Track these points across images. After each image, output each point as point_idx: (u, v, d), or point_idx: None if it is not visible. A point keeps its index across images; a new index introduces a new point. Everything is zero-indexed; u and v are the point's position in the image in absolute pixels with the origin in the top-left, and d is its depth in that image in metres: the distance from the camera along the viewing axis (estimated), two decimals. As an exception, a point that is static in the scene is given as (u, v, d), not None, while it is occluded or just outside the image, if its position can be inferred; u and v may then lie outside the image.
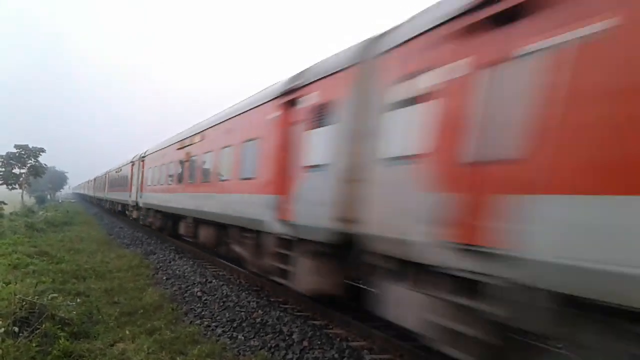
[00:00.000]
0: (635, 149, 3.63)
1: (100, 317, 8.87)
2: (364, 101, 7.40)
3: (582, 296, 3.93)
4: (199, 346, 7.34)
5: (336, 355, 7.33)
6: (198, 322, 9.01)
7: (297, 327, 8.68)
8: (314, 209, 8.36)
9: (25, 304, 7.53)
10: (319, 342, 7.87)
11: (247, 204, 11.40)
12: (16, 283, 9.89)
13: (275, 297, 11.13)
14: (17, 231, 22.31)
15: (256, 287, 12.18)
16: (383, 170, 6.72)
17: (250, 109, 12.05)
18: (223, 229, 13.84)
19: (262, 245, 10.85)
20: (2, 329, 6.72)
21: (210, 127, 15.73)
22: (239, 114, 12.95)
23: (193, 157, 17.21)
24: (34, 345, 6.51)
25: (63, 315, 7.89)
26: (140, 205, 27.57)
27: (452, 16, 5.57)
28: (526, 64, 4.62)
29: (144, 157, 27.45)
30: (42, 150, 57.35)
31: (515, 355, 5.24)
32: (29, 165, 56.20)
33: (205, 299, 10.79)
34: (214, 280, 12.86)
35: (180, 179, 18.84)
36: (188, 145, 17.98)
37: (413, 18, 6.77)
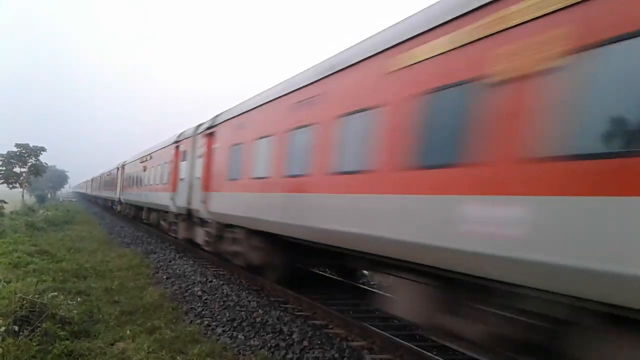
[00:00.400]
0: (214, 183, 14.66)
1: (100, 316, 8.87)
2: (193, 153, 17.34)
3: (227, 223, 13.19)
4: (199, 345, 7.35)
5: (336, 355, 7.33)
6: (198, 321, 9.02)
7: (297, 326, 8.69)
8: (181, 198, 17.99)
9: (26, 302, 7.53)
10: (319, 342, 7.88)
11: (165, 198, 20.98)
12: (17, 282, 9.92)
13: (275, 297, 11.14)
14: (17, 230, 22.34)
15: (256, 287, 12.19)
16: (196, 182, 16.38)
17: (167, 146, 22.16)
18: (158, 212, 24.17)
19: (170, 219, 20.77)
20: (3, 328, 6.73)
21: (152, 152, 26.02)
22: (163, 147, 23.10)
23: (146, 169, 27.10)
24: (34, 344, 6.51)
25: (63, 314, 7.89)
26: (122, 200, 37.67)
27: (204, 129, 16.07)
28: (214, 151, 14.89)
29: (124, 165, 36.73)
30: (43, 149, 57.37)
31: (219, 244, 14.12)
32: (29, 164, 56.19)
33: (206, 299, 10.80)
34: (214, 280, 12.88)
35: (140, 182, 28.77)
36: (144, 161, 27.93)
37: (202, 124, 17.06)
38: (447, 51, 5.79)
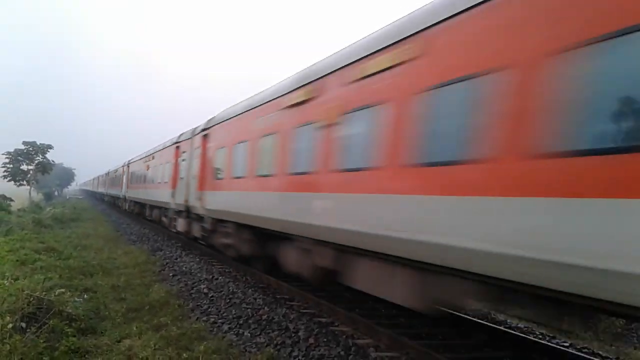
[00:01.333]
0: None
1: (107, 313, 8.91)
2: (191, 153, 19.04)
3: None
4: (205, 342, 7.35)
5: (342, 353, 7.32)
6: (204, 318, 9.03)
7: (303, 324, 8.69)
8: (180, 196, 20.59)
9: (33, 299, 7.57)
10: (325, 340, 7.87)
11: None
12: (24, 279, 9.95)
13: (281, 295, 11.14)
14: (24, 227, 22.43)
15: (262, 285, 12.19)
16: (192, 182, 17.74)
17: (168, 147, 23.37)
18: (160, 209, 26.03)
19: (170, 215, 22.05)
20: (10, 325, 6.75)
21: (154, 152, 27.43)
22: (164, 148, 24.48)
23: (149, 168, 28.72)
24: (41, 341, 6.53)
25: (70, 311, 7.93)
26: (127, 198, 43.05)
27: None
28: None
29: (129, 163, 41.46)
30: (50, 146, 57.51)
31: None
32: (36, 161, 56.41)
33: (212, 296, 10.82)
34: (220, 277, 12.89)
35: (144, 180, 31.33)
36: (147, 161, 29.80)
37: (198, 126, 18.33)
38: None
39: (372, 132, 7.07)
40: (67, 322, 7.52)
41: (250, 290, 11.41)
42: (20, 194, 49.78)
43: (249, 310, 9.61)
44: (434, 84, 5.89)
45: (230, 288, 11.55)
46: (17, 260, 12.84)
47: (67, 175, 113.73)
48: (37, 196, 66.53)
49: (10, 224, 23.58)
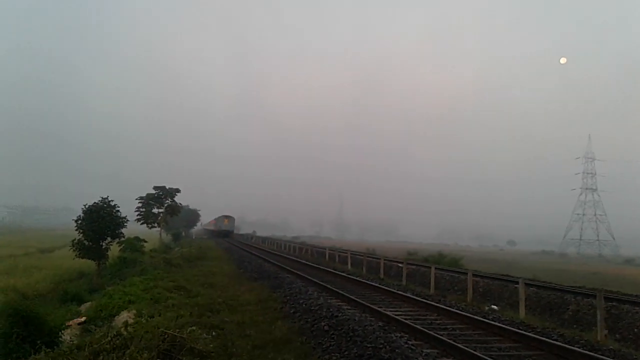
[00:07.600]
0: None
1: (234, 349, 9.20)
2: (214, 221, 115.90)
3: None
4: (328, 382, 7.34)
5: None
6: (327, 356, 9.04)
7: (427, 364, 8.42)
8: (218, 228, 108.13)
9: (167, 336, 8.02)
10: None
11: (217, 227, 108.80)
12: (158, 316, 10.61)
13: (401, 333, 10.90)
14: (157, 267, 24.08)
15: (382, 322, 12.03)
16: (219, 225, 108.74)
17: (217, 217, 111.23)
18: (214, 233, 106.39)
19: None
20: (148, 361, 7.20)
21: (216, 217, 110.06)
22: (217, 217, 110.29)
23: (216, 221, 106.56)
24: (176, 376, 6.88)
25: (201, 348, 8.28)
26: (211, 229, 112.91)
27: (214, 219, 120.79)
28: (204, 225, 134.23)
29: (221, 216, 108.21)
30: (178, 190, 61.55)
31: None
32: (166, 205, 60.48)
33: (332, 334, 10.81)
34: (339, 315, 12.88)
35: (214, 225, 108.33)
36: (216, 220, 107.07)
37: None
38: None
39: None
40: (199, 358, 7.87)
41: (370, 328, 11.28)
42: (152, 236, 53.59)
43: (370, 349, 9.48)
44: None
45: (350, 325, 11.49)
46: (151, 299, 13.76)
47: (193, 217, 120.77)
48: (166, 237, 71.32)
49: (143, 263, 25.43)
